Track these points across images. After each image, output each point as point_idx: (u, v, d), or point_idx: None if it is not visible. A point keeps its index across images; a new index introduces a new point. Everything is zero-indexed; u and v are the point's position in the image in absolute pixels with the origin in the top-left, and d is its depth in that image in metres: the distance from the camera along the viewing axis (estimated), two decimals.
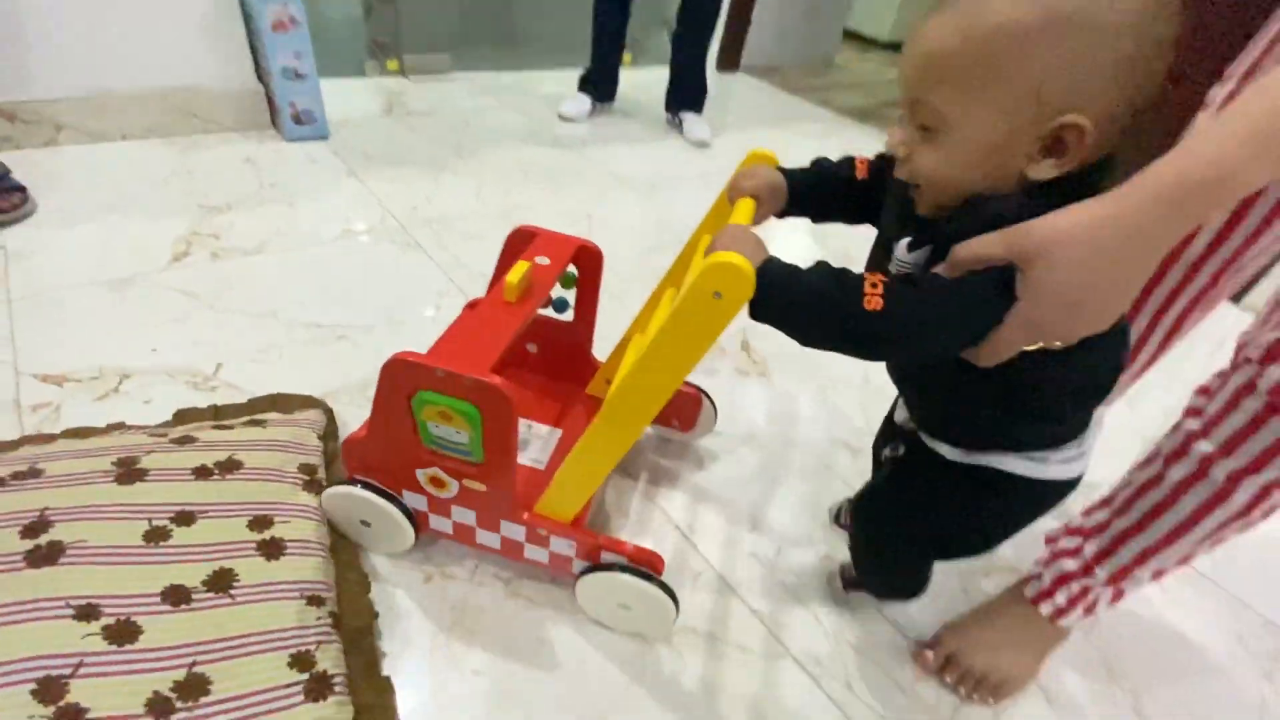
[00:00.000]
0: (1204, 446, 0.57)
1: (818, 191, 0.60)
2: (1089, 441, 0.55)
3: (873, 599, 0.77)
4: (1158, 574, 0.66)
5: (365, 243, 1.24)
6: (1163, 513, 0.61)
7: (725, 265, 0.43)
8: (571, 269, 0.78)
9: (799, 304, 0.45)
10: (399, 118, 1.77)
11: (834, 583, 0.78)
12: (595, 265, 0.78)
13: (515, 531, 0.68)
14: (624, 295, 0.88)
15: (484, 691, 0.64)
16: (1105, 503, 0.69)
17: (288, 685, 0.54)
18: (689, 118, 1.98)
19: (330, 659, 0.57)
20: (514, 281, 0.64)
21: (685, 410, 0.89)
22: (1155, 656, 0.78)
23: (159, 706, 0.49)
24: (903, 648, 0.74)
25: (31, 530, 0.55)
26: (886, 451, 0.69)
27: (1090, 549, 0.68)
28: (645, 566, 0.65)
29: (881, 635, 0.75)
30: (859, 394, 1.07)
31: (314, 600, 0.60)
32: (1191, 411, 0.59)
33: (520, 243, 0.75)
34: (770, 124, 2.22)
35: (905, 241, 0.48)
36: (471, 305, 0.81)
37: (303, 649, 0.56)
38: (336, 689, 0.55)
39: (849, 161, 0.60)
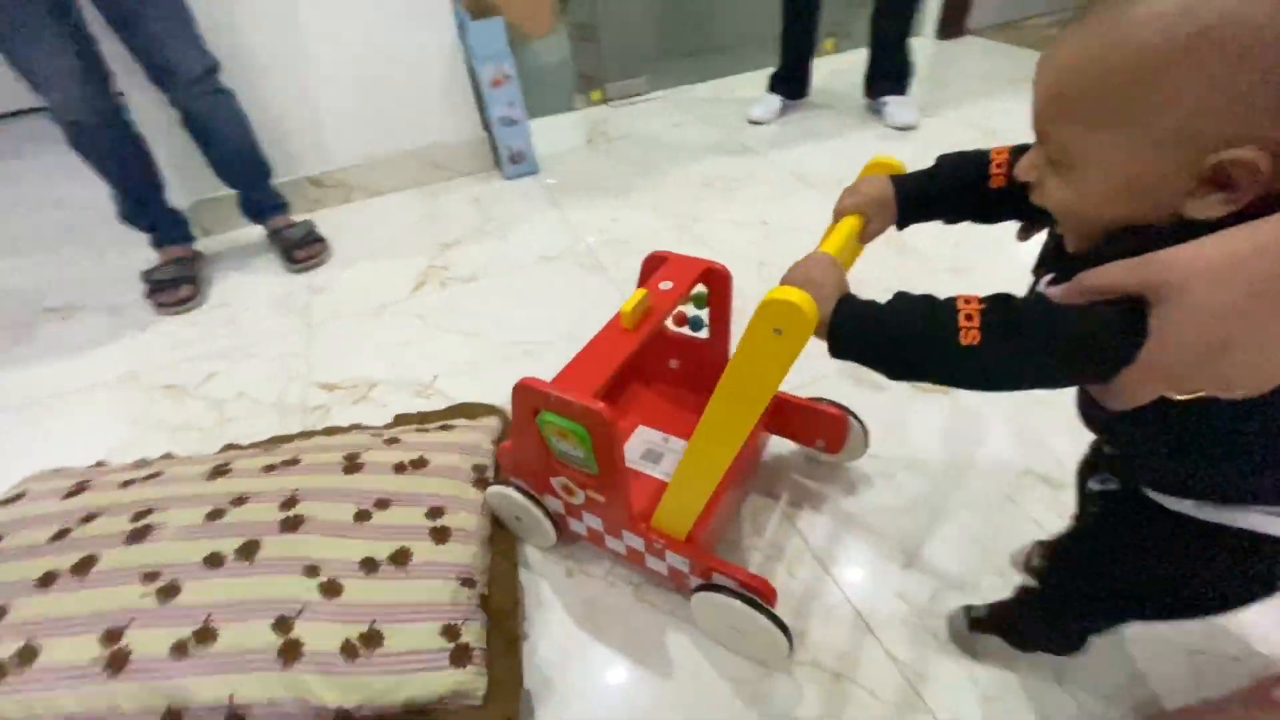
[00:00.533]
0: None
1: (937, 201, 0.54)
2: None
3: (1005, 643, 0.64)
4: None
5: (557, 267, 1.39)
6: None
7: (782, 303, 0.42)
8: (702, 288, 0.80)
9: (883, 343, 0.43)
10: (598, 145, 1.93)
11: (956, 622, 0.68)
12: (724, 285, 0.78)
13: (636, 541, 0.72)
14: None
15: (603, 684, 0.69)
16: None
17: (438, 650, 0.65)
18: (892, 101, 1.81)
19: (473, 634, 0.67)
20: (628, 310, 0.68)
21: (831, 431, 0.83)
22: None
23: (349, 650, 0.64)
24: None
25: (286, 504, 0.76)
26: (1093, 484, 0.55)
27: None
28: (754, 594, 0.64)
29: (1059, 708, 0.63)
30: (1068, 416, 0.89)
31: (467, 582, 0.72)
32: None
33: (652, 267, 0.79)
34: (998, 93, 1.92)
35: (1048, 278, 0.41)
36: None
37: (452, 622, 0.67)
38: (475, 660, 0.65)
39: (980, 161, 0.52)
